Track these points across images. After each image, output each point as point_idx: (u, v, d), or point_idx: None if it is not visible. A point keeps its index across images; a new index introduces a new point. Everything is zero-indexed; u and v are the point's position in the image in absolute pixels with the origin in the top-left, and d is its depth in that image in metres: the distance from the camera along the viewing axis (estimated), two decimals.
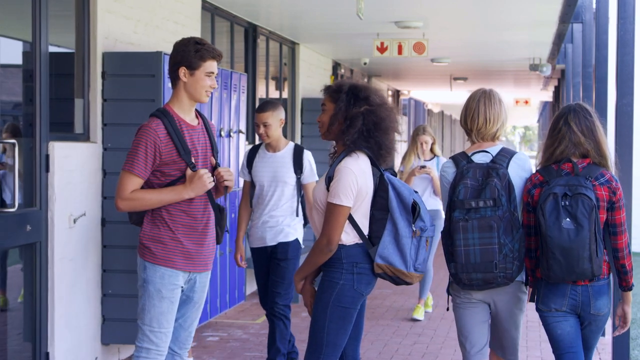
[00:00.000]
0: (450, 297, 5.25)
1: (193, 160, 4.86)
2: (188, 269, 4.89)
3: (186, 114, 4.93)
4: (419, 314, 10.04)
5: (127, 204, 4.80)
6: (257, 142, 12.08)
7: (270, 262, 7.12)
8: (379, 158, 4.93)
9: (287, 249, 7.09)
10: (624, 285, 4.95)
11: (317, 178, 7.09)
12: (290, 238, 7.11)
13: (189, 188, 4.82)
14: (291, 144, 7.15)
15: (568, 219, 4.74)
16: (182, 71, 4.87)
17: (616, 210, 4.90)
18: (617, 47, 6.89)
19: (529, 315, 10.32)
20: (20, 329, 6.92)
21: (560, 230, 4.73)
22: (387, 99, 5.09)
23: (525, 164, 5.11)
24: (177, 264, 4.84)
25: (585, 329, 4.99)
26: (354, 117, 4.87)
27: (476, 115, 5.14)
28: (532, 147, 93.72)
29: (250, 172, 7.15)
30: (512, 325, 5.18)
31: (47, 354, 6.85)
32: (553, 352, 5.09)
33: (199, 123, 5.01)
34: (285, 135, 14.27)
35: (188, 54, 4.85)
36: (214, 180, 4.91)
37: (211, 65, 4.89)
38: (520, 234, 4.90)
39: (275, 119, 6.98)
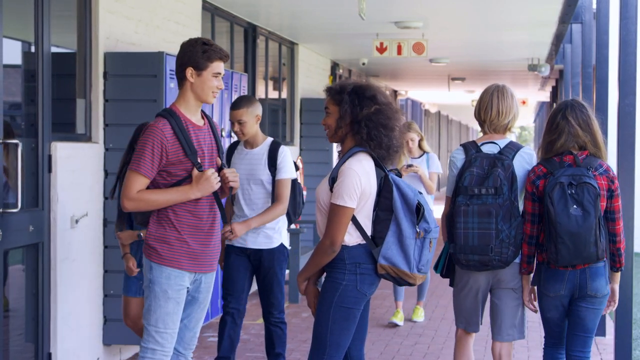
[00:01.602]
0: (453, 274, 5.65)
1: (199, 161, 4.85)
2: (194, 269, 4.88)
3: (192, 114, 4.92)
4: (419, 316, 9.95)
5: (134, 204, 4.78)
6: None
7: (255, 270, 6.77)
8: (386, 158, 4.93)
9: (273, 256, 6.71)
10: (618, 266, 5.42)
11: (292, 175, 6.68)
12: (275, 244, 6.72)
13: (195, 188, 4.80)
14: (269, 140, 6.72)
15: (575, 206, 5.12)
16: (189, 72, 4.85)
17: (614, 198, 5.31)
18: (619, 47, 6.87)
19: (529, 316, 10.30)
20: (21, 329, 6.91)
21: (569, 217, 5.11)
22: (390, 97, 5.09)
23: (531, 159, 5.49)
24: (183, 264, 4.83)
25: (581, 308, 5.35)
26: (365, 118, 4.86)
27: (489, 108, 5.54)
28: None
29: None
30: (512, 305, 5.55)
31: (50, 354, 6.84)
32: (542, 322, 5.61)
33: (204, 123, 5.00)
34: (284, 136, 14.36)
35: (195, 54, 4.83)
36: (220, 181, 4.90)
37: (218, 66, 4.88)
38: (517, 221, 5.30)
39: (250, 116, 6.60)
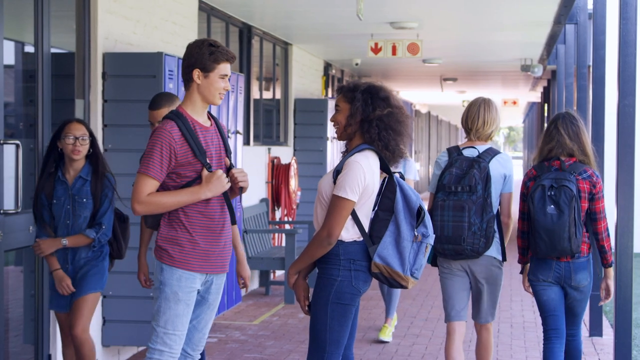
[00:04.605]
0: (438, 268, 6.28)
1: (208, 161, 4.83)
2: (205, 270, 4.85)
3: (199, 116, 4.89)
4: (387, 335, 9.00)
5: (145, 207, 4.74)
6: (252, 143, 12.06)
7: None
8: (391, 160, 4.93)
9: None
10: (605, 262, 6.02)
11: None
12: None
13: (205, 188, 4.77)
14: None
15: (552, 206, 5.80)
16: (196, 73, 4.82)
17: (596, 201, 5.92)
18: (619, 48, 6.86)
19: (526, 316, 10.33)
20: (20, 331, 6.88)
21: (545, 215, 5.80)
22: (401, 102, 5.09)
23: (506, 163, 6.14)
24: (194, 266, 4.80)
25: (569, 298, 6.02)
26: (377, 118, 4.87)
27: (476, 118, 6.20)
28: (516, 147, 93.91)
29: None
30: (488, 292, 6.15)
31: (50, 356, 6.81)
32: (540, 314, 6.17)
33: (211, 124, 4.97)
34: (278, 136, 14.34)
35: (202, 56, 4.80)
36: (229, 181, 4.88)
37: (225, 68, 4.85)
38: (489, 216, 5.94)
39: None
